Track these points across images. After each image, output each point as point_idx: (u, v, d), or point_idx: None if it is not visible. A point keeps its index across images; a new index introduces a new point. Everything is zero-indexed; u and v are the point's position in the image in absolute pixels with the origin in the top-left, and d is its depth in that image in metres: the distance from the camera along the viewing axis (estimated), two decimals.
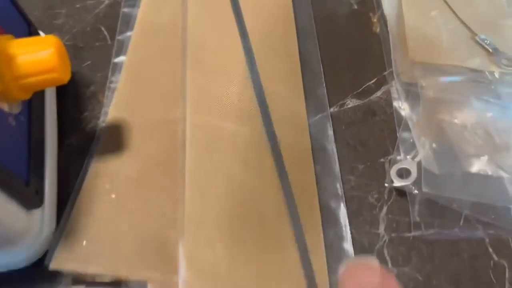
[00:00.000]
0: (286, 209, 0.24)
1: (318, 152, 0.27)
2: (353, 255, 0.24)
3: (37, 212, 0.23)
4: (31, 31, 0.26)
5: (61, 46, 0.22)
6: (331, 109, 0.29)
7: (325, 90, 0.29)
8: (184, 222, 0.24)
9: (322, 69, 0.30)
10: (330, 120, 0.28)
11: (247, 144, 0.26)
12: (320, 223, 0.25)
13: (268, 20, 0.31)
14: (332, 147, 0.27)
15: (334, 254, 0.24)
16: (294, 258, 0.24)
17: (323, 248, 0.24)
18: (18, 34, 0.23)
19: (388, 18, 0.31)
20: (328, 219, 0.25)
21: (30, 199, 0.22)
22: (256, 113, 0.27)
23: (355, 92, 0.30)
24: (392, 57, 0.29)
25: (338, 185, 0.26)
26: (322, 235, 0.24)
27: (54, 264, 0.23)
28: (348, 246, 0.25)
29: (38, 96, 0.25)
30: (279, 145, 0.26)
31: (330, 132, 0.27)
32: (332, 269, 0.24)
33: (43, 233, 0.23)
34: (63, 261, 0.23)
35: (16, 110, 0.22)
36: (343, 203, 0.26)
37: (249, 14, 0.31)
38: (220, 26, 0.30)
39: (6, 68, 0.20)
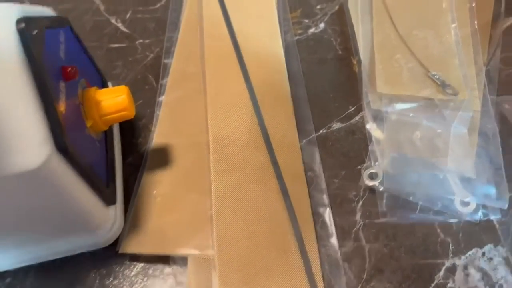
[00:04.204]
0: (287, 215, 0.33)
1: (308, 172, 0.36)
2: (337, 248, 0.33)
3: (112, 208, 0.33)
4: (103, 81, 0.37)
5: (129, 93, 0.32)
6: (321, 131, 0.39)
7: (313, 126, 0.38)
8: (214, 223, 0.33)
9: (309, 107, 0.39)
10: (317, 146, 0.37)
11: (257, 167, 0.35)
12: (313, 224, 0.34)
13: (266, 72, 0.41)
14: (319, 167, 0.36)
15: (323, 247, 0.33)
16: (295, 252, 0.32)
17: (316, 244, 0.33)
18: (96, 85, 0.34)
19: (362, 60, 0.40)
20: (318, 221, 0.34)
21: (109, 197, 0.32)
22: (261, 143, 0.37)
23: (339, 117, 0.39)
24: (363, 90, 0.39)
25: (324, 196, 0.35)
26: (314, 233, 0.33)
27: (122, 249, 0.33)
28: (333, 240, 0.33)
29: (110, 129, 0.36)
30: (280, 168, 0.35)
31: (317, 156, 0.37)
32: (322, 260, 0.32)
33: (116, 224, 0.33)
34: (128, 246, 0.33)
35: (99, 137, 0.33)
36: (329, 208, 0.35)
37: (253, 69, 0.41)
38: (231, 77, 0.41)
39: (95, 109, 0.31)
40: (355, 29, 0.43)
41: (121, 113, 0.31)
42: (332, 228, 0.34)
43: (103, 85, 0.37)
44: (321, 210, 0.35)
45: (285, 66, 0.41)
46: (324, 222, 0.34)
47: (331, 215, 0.34)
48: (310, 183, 0.36)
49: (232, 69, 0.41)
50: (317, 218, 0.34)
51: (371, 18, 0.43)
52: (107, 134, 0.34)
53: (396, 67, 0.39)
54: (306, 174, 0.36)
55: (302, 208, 0.34)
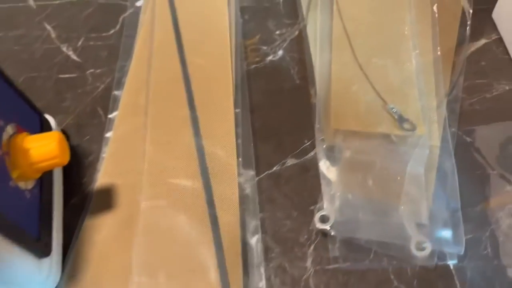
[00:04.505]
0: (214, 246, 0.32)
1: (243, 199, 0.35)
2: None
3: (46, 260, 0.31)
4: (42, 120, 0.35)
5: (61, 139, 0.30)
6: (275, 168, 0.37)
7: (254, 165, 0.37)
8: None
9: (252, 146, 0.38)
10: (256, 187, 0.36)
11: (189, 195, 0.34)
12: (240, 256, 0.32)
13: (213, 101, 0.39)
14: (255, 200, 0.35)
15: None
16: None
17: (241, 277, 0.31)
18: (32, 125, 0.32)
19: (318, 92, 0.39)
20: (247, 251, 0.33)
21: (42, 249, 0.30)
22: (197, 171, 0.35)
23: (294, 153, 0.38)
24: (316, 126, 0.37)
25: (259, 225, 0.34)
26: (241, 268, 0.32)
27: None
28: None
29: (48, 172, 0.34)
30: (212, 195, 0.34)
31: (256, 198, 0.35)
32: None
33: (51, 276, 0.31)
34: None
35: (30, 185, 0.31)
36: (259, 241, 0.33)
37: (200, 96, 0.39)
38: (175, 102, 0.39)
39: (22, 158, 0.29)
40: (313, 57, 0.41)
41: (52, 161, 0.30)
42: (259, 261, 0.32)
43: (42, 124, 0.35)
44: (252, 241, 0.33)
45: (232, 97, 0.39)
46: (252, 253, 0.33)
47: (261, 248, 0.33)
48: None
49: (177, 94, 0.40)
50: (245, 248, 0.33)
51: (330, 46, 0.41)
52: (43, 179, 0.32)
53: (353, 100, 0.38)
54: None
55: (232, 237, 0.33)
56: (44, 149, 0.29)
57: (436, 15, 0.43)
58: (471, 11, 0.43)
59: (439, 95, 0.38)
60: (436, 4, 0.43)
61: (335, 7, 0.44)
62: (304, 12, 0.44)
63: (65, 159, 0.30)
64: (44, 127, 0.35)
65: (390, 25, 0.42)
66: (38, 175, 0.31)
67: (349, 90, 0.38)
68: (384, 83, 0.38)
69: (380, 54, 0.41)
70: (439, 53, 0.41)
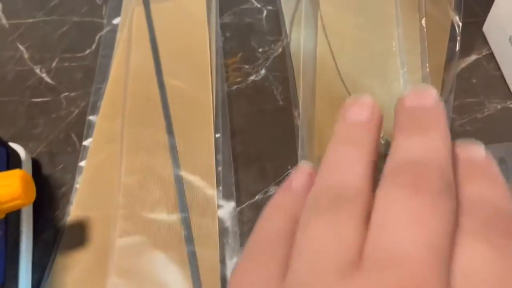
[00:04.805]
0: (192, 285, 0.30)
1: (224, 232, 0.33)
2: None
3: None
4: (9, 153, 0.33)
5: (25, 177, 0.28)
6: (257, 197, 0.35)
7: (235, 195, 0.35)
8: None
9: (233, 173, 0.36)
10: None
11: (166, 231, 0.32)
12: None
13: (191, 127, 0.37)
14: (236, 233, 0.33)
15: None
16: None
17: None
18: None
19: (301, 116, 0.37)
20: None
21: None
22: (176, 203, 0.34)
23: (277, 180, 0.36)
24: (299, 152, 0.35)
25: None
26: None
27: None
28: None
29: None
30: (191, 230, 0.32)
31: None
32: None
33: None
34: None
35: None
36: None
37: (178, 120, 0.38)
38: (151, 124, 0.37)
39: None
40: (297, 77, 0.40)
41: (14, 202, 0.28)
42: None
43: (8, 158, 0.33)
44: None
45: (212, 122, 0.38)
46: None
47: None
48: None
49: (155, 120, 0.38)
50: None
51: (314, 64, 0.40)
52: (8, 221, 0.31)
53: None
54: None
55: (210, 272, 0.31)
56: (5, 189, 0.27)
57: (425, 29, 0.41)
58: (460, 24, 0.42)
59: None
60: (424, 18, 0.41)
61: (319, 22, 0.42)
62: (288, 28, 0.42)
63: (29, 199, 0.28)
64: (11, 161, 0.33)
65: (377, 41, 0.41)
66: (1, 216, 0.29)
67: (335, 112, 0.36)
68: None
69: (367, 73, 0.39)
70: (428, 70, 0.39)
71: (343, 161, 0.18)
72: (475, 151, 0.18)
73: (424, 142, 0.17)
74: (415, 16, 0.42)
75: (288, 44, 0.42)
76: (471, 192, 0.16)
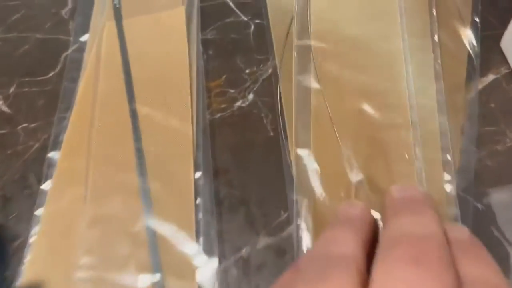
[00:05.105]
0: None
1: None
2: None
3: None
4: None
5: None
6: (243, 250, 0.30)
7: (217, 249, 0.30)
8: None
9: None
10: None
11: None
12: None
13: (168, 167, 0.32)
14: None
15: None
16: None
17: None
18: None
19: (298, 152, 0.32)
20: None
21: None
22: (149, 263, 0.28)
23: (267, 229, 0.31)
24: (294, 196, 0.30)
25: None
26: None
27: None
28: None
29: None
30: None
31: None
32: None
33: None
34: None
35: None
36: None
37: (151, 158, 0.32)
38: (120, 162, 0.32)
39: None
40: (284, 103, 0.34)
41: None
42: None
43: None
44: None
45: (192, 159, 0.32)
46: None
47: None
48: None
49: (125, 159, 0.33)
50: None
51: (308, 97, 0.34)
52: None
53: (340, 173, 0.30)
54: None
55: None
56: None
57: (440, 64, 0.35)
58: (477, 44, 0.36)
59: (448, 165, 0.31)
60: (436, 35, 0.36)
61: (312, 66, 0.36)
62: (277, 60, 0.37)
63: None
64: None
65: (384, 82, 0.35)
66: None
67: (336, 161, 0.31)
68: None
69: (370, 101, 0.33)
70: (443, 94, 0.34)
71: (338, 236, 0.19)
72: (462, 233, 0.20)
73: (418, 219, 0.18)
74: (426, 31, 0.36)
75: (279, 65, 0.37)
76: (470, 271, 0.16)
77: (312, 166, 0.30)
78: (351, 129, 0.32)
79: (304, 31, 0.36)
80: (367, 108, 0.32)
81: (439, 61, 0.35)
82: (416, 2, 0.37)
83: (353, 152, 0.30)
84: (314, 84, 0.34)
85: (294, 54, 0.36)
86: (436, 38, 0.36)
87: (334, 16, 0.37)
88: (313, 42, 0.36)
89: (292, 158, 0.32)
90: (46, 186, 0.32)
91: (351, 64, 0.35)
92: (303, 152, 0.31)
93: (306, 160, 0.31)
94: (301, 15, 0.37)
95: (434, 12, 0.37)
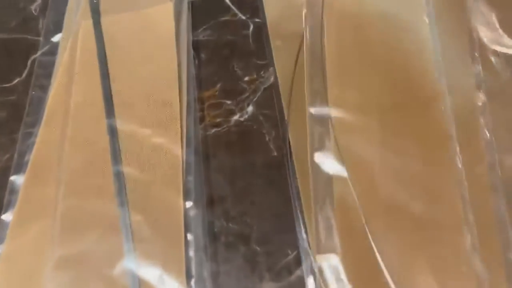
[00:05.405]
0: None
1: None
2: None
3: None
4: None
5: None
6: None
7: None
8: None
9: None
10: None
11: None
12: None
13: (153, 194, 0.27)
14: None
15: None
16: None
17: None
18: None
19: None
20: None
21: None
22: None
23: (272, 273, 0.26)
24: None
25: None
26: None
27: None
28: None
29: None
30: None
31: None
32: None
33: None
34: None
35: None
36: None
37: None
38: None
39: None
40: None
41: None
42: None
43: None
44: None
45: (181, 186, 0.27)
46: None
47: None
48: None
49: (102, 185, 0.28)
50: None
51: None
52: None
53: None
54: None
55: None
56: None
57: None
58: None
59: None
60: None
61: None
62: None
63: None
64: None
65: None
66: None
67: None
68: None
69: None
70: None
71: None
72: None
73: None
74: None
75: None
76: None
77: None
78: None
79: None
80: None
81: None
82: None
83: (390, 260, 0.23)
84: (335, 166, 0.26)
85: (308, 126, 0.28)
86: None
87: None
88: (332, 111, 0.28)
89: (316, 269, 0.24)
90: (7, 217, 0.28)
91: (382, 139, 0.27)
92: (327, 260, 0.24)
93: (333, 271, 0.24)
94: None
95: None
